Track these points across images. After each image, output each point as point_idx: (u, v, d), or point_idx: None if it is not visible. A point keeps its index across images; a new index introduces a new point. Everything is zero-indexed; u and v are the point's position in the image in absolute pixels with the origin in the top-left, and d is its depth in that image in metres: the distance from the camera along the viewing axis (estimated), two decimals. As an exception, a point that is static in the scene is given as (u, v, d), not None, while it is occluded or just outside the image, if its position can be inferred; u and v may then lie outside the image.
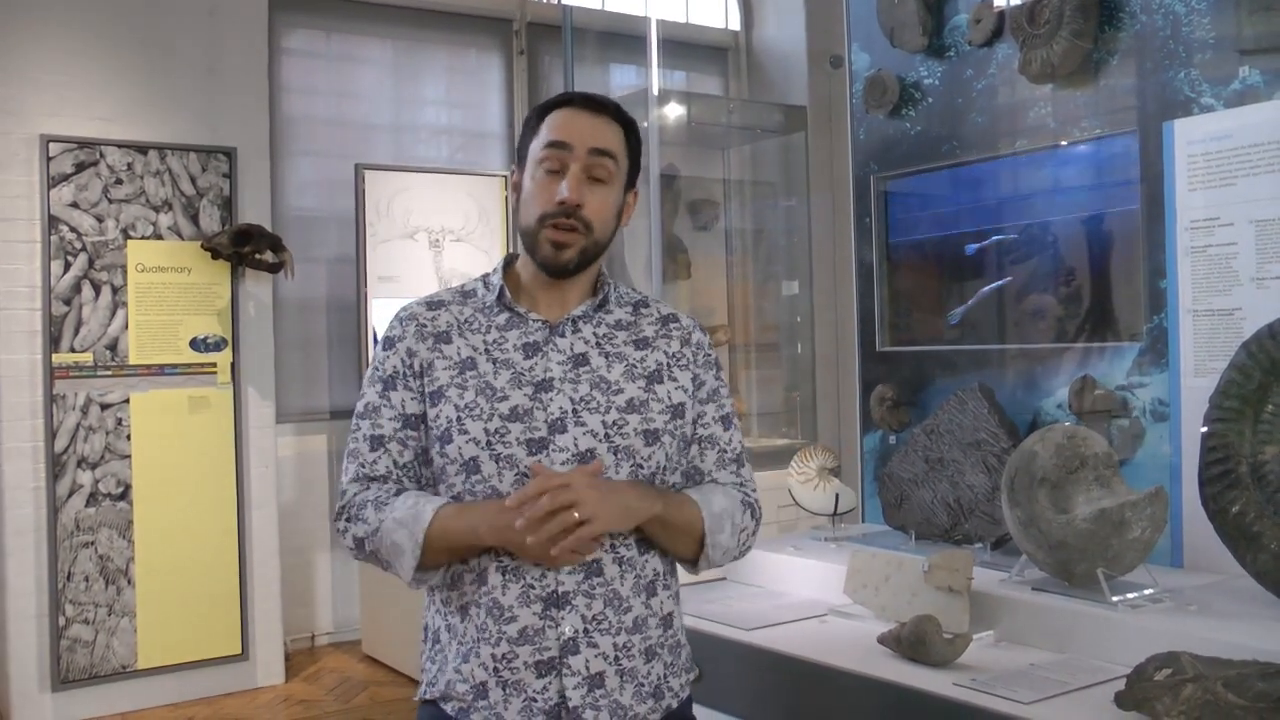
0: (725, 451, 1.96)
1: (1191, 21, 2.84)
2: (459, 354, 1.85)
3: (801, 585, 3.09)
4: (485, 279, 1.97)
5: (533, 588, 1.76)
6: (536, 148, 1.87)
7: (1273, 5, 2.69)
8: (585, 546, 1.70)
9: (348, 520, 1.83)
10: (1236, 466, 2.40)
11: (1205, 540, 2.57)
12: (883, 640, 2.50)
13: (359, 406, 1.90)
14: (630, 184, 1.94)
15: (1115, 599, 2.44)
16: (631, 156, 1.92)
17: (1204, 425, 2.48)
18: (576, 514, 1.66)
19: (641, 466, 1.82)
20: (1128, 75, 3.00)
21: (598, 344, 1.88)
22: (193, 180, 5.29)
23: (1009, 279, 3.38)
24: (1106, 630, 2.38)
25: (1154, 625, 2.32)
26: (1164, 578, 2.58)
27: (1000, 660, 2.41)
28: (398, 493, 1.83)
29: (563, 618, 1.75)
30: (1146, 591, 2.48)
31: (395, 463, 1.85)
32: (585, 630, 1.76)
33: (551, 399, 1.80)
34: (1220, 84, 2.78)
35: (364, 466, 1.86)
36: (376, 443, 1.86)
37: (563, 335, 1.87)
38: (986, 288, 3.44)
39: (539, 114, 1.90)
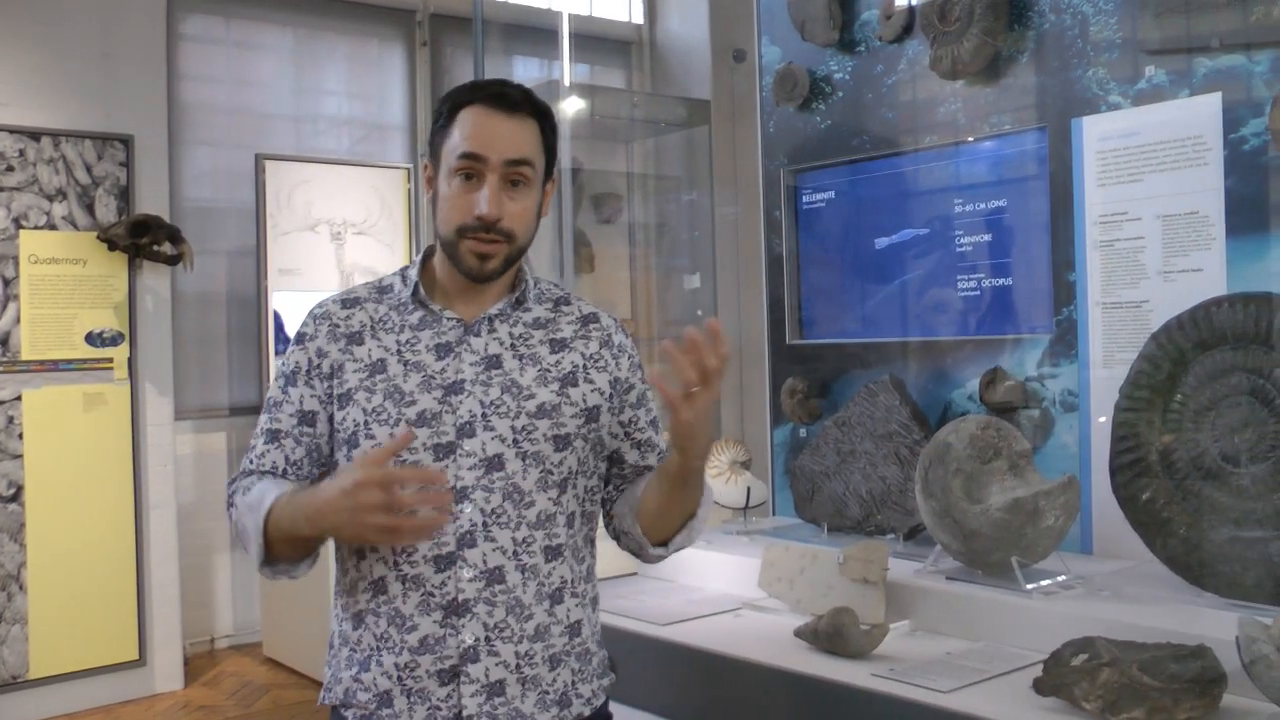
0: (662, 453, 1.94)
1: (1099, 22, 2.89)
2: (370, 356, 1.80)
3: (714, 579, 3.08)
4: (404, 273, 1.90)
5: (433, 595, 1.73)
6: (450, 153, 1.78)
7: (1176, 9, 2.76)
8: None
9: (228, 509, 1.82)
10: (1146, 455, 2.45)
11: (1114, 527, 2.63)
12: (799, 633, 2.50)
13: (266, 400, 1.87)
14: (548, 175, 1.87)
15: (1029, 586, 2.47)
16: (548, 151, 1.85)
17: (1114, 415, 2.53)
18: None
19: (551, 473, 1.79)
20: (1037, 73, 3.05)
21: (512, 345, 1.83)
22: (88, 169, 5.11)
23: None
24: (1021, 617, 2.42)
25: (1068, 611, 2.36)
26: (1075, 565, 2.63)
27: (917, 650, 2.43)
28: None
29: (463, 625, 1.72)
30: (1059, 579, 2.53)
31: (287, 458, 1.82)
32: (486, 638, 1.73)
33: (461, 402, 1.76)
34: (1127, 83, 2.84)
35: (252, 461, 1.83)
36: (271, 437, 1.82)
37: (477, 335, 1.82)
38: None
39: (450, 110, 1.81)
